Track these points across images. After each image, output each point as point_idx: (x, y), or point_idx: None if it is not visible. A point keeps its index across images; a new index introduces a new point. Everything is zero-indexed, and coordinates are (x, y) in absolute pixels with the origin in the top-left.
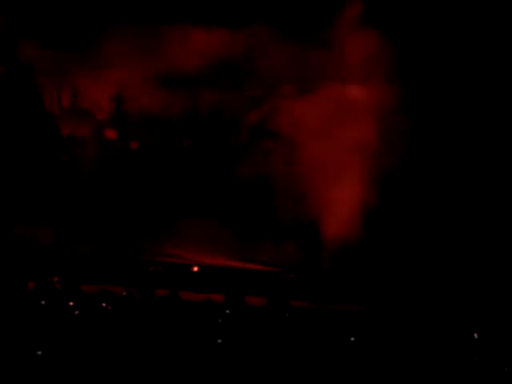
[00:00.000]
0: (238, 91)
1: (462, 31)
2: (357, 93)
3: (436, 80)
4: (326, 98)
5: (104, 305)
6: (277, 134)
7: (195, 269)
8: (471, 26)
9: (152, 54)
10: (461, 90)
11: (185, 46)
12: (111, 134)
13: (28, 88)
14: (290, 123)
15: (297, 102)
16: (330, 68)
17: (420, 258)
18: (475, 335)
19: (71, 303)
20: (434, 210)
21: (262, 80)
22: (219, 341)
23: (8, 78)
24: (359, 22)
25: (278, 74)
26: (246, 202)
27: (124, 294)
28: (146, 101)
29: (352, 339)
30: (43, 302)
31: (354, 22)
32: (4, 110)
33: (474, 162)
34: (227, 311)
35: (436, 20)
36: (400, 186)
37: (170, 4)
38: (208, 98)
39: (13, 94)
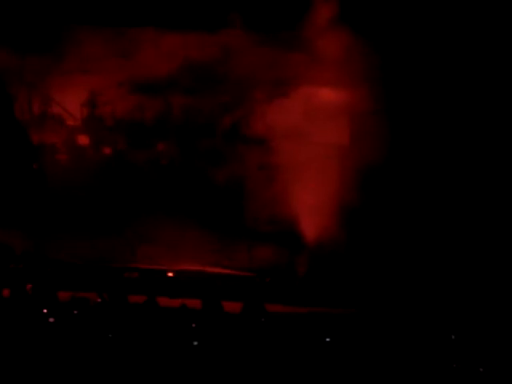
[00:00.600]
0: (210, 96)
1: (440, 30)
2: (331, 95)
3: (414, 80)
4: (300, 100)
5: (76, 312)
6: (251, 138)
7: (170, 274)
8: (449, 25)
9: (124, 58)
10: (439, 88)
11: (157, 51)
12: (84, 140)
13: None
14: (264, 127)
15: (270, 106)
16: (304, 70)
17: (399, 259)
18: (452, 337)
19: (45, 310)
20: (415, 211)
21: (235, 84)
22: (195, 343)
23: None
24: (333, 22)
25: (252, 77)
26: (221, 206)
27: (98, 300)
28: (119, 106)
29: (327, 340)
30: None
31: (327, 21)
32: None
33: (455, 160)
34: (203, 316)
35: (413, 17)
36: (379, 187)
37: (141, 8)
38: (181, 102)
39: None
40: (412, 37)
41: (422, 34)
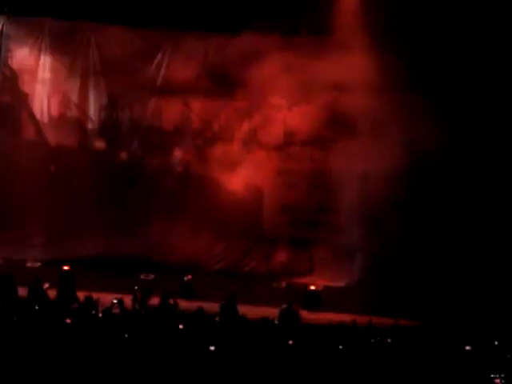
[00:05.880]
0: (229, 101)
1: (459, 30)
2: (351, 102)
3: (440, 84)
4: (319, 108)
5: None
6: (269, 145)
7: (188, 277)
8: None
9: (143, 61)
10: (472, 97)
11: (176, 54)
12: (100, 143)
13: (19, 95)
14: (282, 134)
15: (289, 113)
16: (324, 77)
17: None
18: None
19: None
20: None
21: (253, 89)
22: (212, 348)
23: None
24: (356, 26)
25: (271, 83)
26: (238, 212)
27: (115, 301)
28: (137, 109)
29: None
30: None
31: (350, 25)
32: None
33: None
34: (221, 321)
35: (434, 23)
36: (402, 193)
37: (161, 10)
38: (199, 106)
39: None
40: (438, 40)
41: (448, 37)
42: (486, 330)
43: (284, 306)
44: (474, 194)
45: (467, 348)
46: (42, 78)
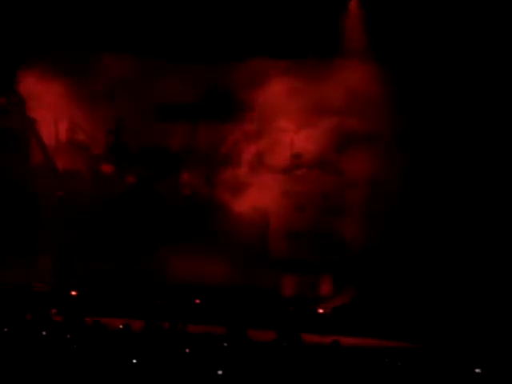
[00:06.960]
0: (237, 124)
1: (463, 63)
2: (357, 124)
3: (440, 111)
4: (326, 130)
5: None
6: (275, 168)
7: (197, 301)
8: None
9: (151, 85)
10: (463, 117)
11: (183, 78)
12: (107, 167)
13: (27, 120)
14: (289, 157)
15: (296, 136)
16: (330, 100)
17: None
18: None
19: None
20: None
21: (261, 113)
22: (219, 372)
23: (8, 110)
24: (360, 52)
25: (278, 107)
26: (245, 235)
27: (120, 326)
28: (144, 134)
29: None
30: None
31: (354, 51)
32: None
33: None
34: (228, 344)
35: (441, 50)
36: (408, 216)
37: (168, 37)
38: (206, 130)
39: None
40: (438, 68)
41: (447, 66)
42: (495, 351)
43: (283, 330)
44: (486, 215)
45: (477, 371)
46: (49, 104)
